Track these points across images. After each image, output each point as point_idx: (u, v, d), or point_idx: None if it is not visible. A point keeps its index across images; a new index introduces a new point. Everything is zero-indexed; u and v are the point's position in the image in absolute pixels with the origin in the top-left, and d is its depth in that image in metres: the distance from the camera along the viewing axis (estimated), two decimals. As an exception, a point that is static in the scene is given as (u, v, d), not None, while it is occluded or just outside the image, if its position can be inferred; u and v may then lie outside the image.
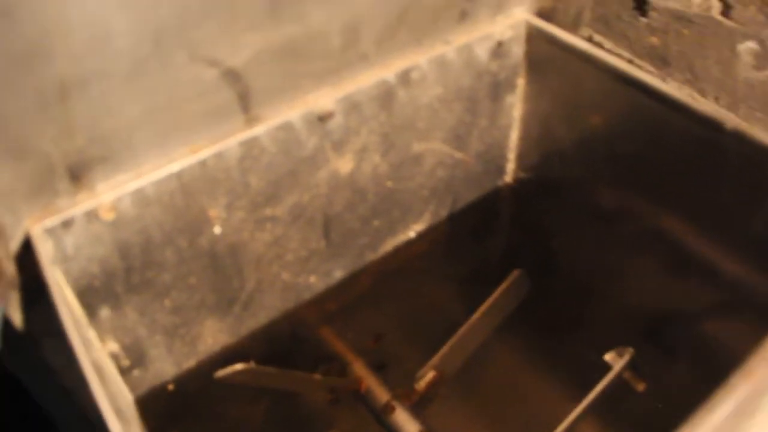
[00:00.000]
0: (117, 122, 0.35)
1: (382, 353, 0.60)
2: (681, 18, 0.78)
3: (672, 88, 0.43)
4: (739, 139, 0.41)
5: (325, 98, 0.42)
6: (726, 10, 0.75)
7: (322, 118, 0.42)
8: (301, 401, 0.60)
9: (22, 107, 0.31)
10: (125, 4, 0.31)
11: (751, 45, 0.72)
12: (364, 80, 0.43)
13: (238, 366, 0.47)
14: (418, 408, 0.56)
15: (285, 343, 0.52)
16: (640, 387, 0.54)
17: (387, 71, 0.44)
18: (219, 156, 0.40)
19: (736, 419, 0.34)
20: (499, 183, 0.57)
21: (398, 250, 0.54)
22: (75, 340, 0.32)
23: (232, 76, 0.37)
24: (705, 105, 0.42)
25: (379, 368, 0.58)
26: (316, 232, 0.47)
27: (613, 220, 0.52)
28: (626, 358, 0.53)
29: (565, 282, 0.57)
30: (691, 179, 0.45)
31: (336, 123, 0.43)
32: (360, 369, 0.58)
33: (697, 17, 0.78)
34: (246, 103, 0.39)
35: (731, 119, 0.41)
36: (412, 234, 0.54)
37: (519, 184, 0.57)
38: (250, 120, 0.40)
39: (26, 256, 0.37)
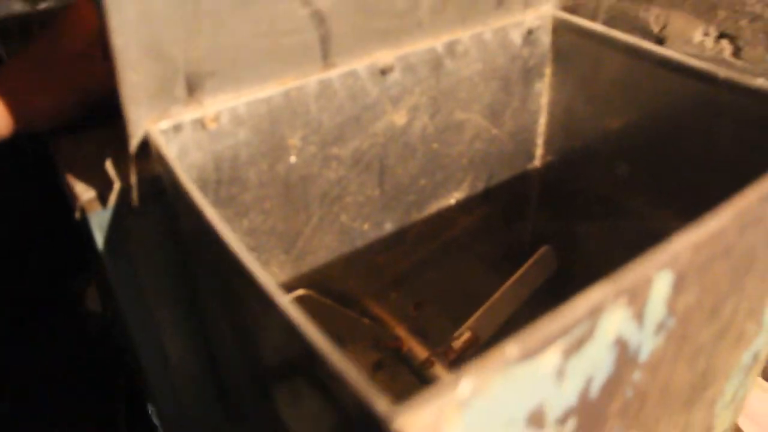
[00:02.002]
0: (228, 40, 0.44)
1: (421, 320, 0.66)
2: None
3: (686, 56, 0.52)
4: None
5: (386, 55, 0.51)
6: (736, 51, 0.86)
7: (384, 72, 0.51)
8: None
9: (164, 10, 0.40)
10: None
11: (761, 82, 0.82)
12: (419, 45, 0.52)
13: (300, 291, 0.53)
14: (455, 365, 0.61)
15: (336, 289, 0.59)
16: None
17: (436, 41, 0.53)
18: (300, 90, 0.49)
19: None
20: (529, 166, 0.65)
21: (440, 215, 0.61)
22: (212, 215, 0.37)
23: (319, 18, 0.46)
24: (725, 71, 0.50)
25: (419, 334, 0.64)
26: (372, 180, 0.55)
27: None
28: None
29: (588, 260, 0.64)
30: (703, 143, 0.53)
31: (394, 78, 0.52)
32: (402, 332, 0.64)
33: (711, 60, 0.88)
34: (326, 47, 0.48)
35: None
36: (452, 201, 0.61)
37: (546, 169, 0.65)
38: (327, 64, 0.49)
39: (143, 155, 0.46)
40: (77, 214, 0.47)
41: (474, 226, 0.64)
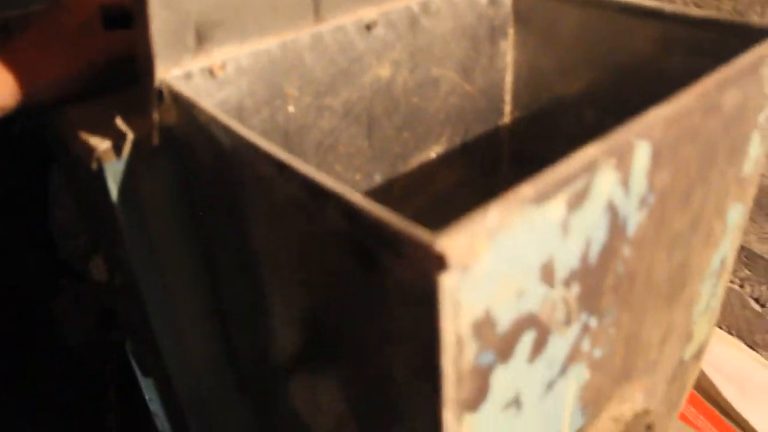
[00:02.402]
0: (232, -8, 0.48)
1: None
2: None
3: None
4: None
5: (370, 11, 0.56)
6: None
7: (369, 27, 0.56)
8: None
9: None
10: None
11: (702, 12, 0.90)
12: (397, 3, 0.57)
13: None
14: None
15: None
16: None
17: (412, 0, 0.58)
18: (295, 42, 0.53)
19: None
20: (499, 122, 0.70)
21: (422, 168, 0.66)
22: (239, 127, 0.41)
23: (310, -27, 0.51)
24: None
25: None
26: (362, 131, 0.59)
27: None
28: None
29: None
30: (660, 78, 0.59)
31: (378, 34, 0.57)
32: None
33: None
34: (317, 3, 0.53)
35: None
36: (433, 154, 0.66)
37: (514, 124, 0.70)
38: (318, 18, 0.54)
39: (156, 104, 0.49)
40: (93, 165, 0.50)
41: (454, 180, 0.69)
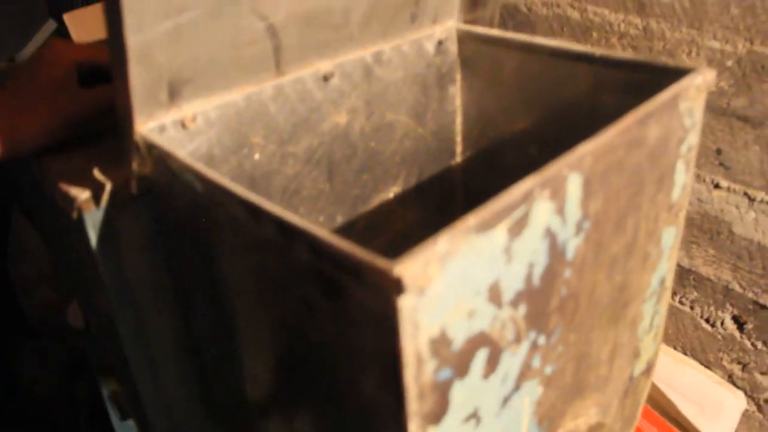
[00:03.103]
0: (201, 50, 0.52)
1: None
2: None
3: (568, 43, 0.64)
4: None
5: (327, 64, 0.61)
6: None
7: (326, 78, 0.61)
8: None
9: (153, 21, 0.49)
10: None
11: (628, 54, 0.96)
12: (352, 55, 0.62)
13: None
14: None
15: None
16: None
17: (365, 51, 0.63)
18: (259, 94, 0.57)
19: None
20: (452, 162, 0.75)
21: (382, 208, 0.70)
22: (211, 173, 0.46)
23: (272, 31, 0.55)
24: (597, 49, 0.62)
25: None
26: (323, 175, 0.64)
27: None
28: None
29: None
30: (593, 116, 0.64)
31: (334, 84, 0.62)
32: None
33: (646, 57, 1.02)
34: (278, 57, 0.57)
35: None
36: (391, 195, 0.70)
37: (466, 163, 0.75)
38: (279, 72, 0.58)
39: (131, 156, 0.53)
40: (74, 214, 0.53)
41: (411, 218, 0.73)
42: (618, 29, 0.98)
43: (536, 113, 0.68)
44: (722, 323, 1.02)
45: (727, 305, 1.00)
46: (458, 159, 0.76)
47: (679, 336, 1.08)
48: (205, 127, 0.55)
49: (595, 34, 1.01)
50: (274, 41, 0.56)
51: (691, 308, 1.05)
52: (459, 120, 0.74)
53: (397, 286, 0.34)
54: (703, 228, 0.98)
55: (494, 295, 0.41)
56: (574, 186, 0.44)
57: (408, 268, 0.34)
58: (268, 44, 0.56)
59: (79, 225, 0.53)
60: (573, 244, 0.47)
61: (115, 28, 0.45)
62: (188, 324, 0.60)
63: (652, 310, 0.63)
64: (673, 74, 0.56)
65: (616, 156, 0.48)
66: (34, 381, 1.01)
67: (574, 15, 1.02)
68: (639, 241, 0.55)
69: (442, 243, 0.36)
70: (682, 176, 0.58)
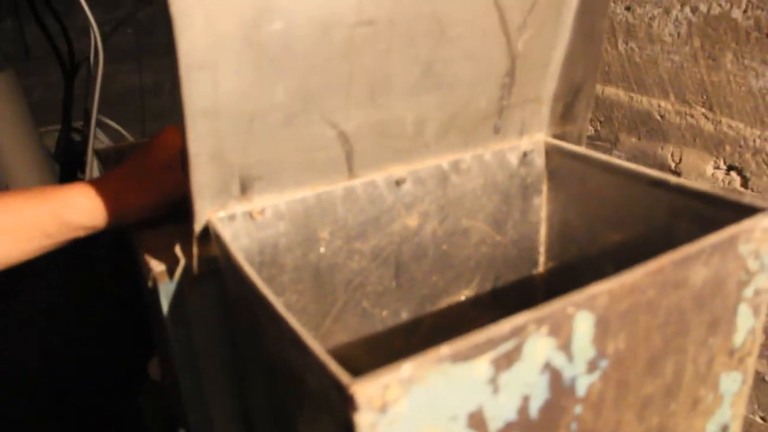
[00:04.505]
0: (272, 153, 0.58)
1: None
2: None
3: (646, 168, 0.63)
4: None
5: (400, 169, 0.64)
6: (744, 182, 0.97)
7: (398, 183, 0.64)
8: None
9: (228, 128, 0.55)
10: (294, 75, 0.56)
11: (704, 185, 0.92)
12: (427, 162, 0.65)
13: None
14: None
15: (356, 368, 0.68)
16: None
17: (443, 160, 0.66)
18: (329, 194, 0.62)
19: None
20: (534, 271, 0.75)
21: (451, 309, 0.71)
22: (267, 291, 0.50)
23: (343, 138, 0.60)
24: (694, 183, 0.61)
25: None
26: (389, 273, 0.67)
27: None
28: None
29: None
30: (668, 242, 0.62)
31: (406, 188, 0.65)
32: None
33: (722, 190, 0.98)
34: (350, 161, 0.62)
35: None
36: (462, 297, 0.72)
37: (549, 274, 0.75)
38: (351, 175, 0.62)
39: (202, 239, 0.59)
40: (150, 283, 0.60)
41: (484, 321, 0.73)
42: (753, 145, 0.93)
43: (616, 233, 0.67)
44: None
45: None
46: (540, 269, 0.76)
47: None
48: (274, 218, 0.60)
49: (728, 148, 0.97)
50: (345, 147, 0.60)
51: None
52: (543, 231, 0.74)
53: (351, 403, 0.36)
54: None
55: (477, 423, 0.41)
56: (584, 324, 0.44)
57: (365, 387, 0.36)
58: (340, 150, 0.60)
59: (155, 293, 0.60)
60: (585, 382, 0.46)
61: (182, 132, 0.52)
62: (242, 392, 0.64)
63: (712, 459, 0.58)
64: (744, 211, 0.54)
65: (644, 296, 0.47)
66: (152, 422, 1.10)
67: (708, 126, 0.98)
68: (684, 385, 0.52)
69: (406, 369, 0.37)
70: (749, 321, 0.55)
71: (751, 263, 0.52)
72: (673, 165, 1.03)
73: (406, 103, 0.60)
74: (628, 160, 1.10)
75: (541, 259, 0.75)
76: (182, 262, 0.60)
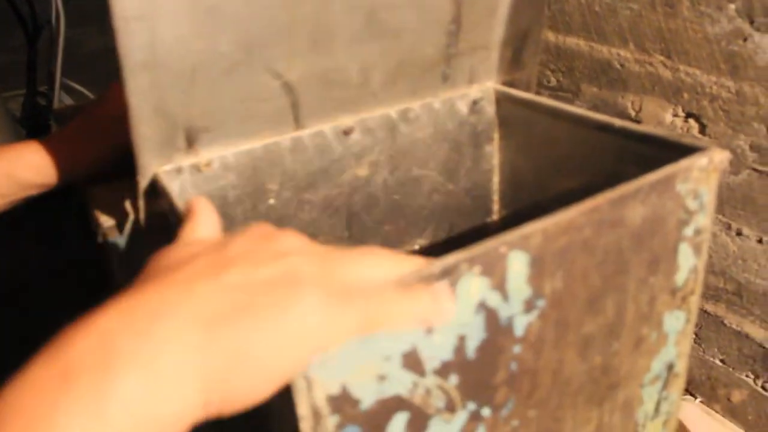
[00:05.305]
0: (217, 104, 0.57)
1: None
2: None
3: (592, 112, 0.63)
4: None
5: (347, 119, 0.64)
6: (702, 129, 0.97)
7: (346, 132, 0.64)
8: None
9: (169, 80, 0.54)
10: (235, 23, 0.55)
11: (647, 127, 0.92)
12: (375, 112, 0.65)
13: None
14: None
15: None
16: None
17: (391, 109, 0.66)
18: (277, 145, 0.61)
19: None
20: (487, 219, 0.76)
21: (406, 258, 0.72)
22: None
23: (288, 88, 0.60)
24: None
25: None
26: (341, 223, 0.67)
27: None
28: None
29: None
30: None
31: (355, 138, 0.65)
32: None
33: (664, 131, 0.99)
34: (296, 112, 0.61)
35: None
36: (416, 246, 0.72)
37: (503, 221, 0.75)
38: (298, 125, 0.62)
39: (150, 193, 0.59)
40: (99, 239, 0.60)
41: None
42: (710, 91, 0.94)
43: (566, 179, 0.67)
44: (808, 418, 0.93)
45: (815, 400, 0.92)
46: (494, 217, 0.76)
47: (760, 424, 1.00)
48: (222, 170, 0.60)
49: (686, 96, 0.97)
50: (291, 97, 0.60)
51: (775, 394, 0.97)
52: (496, 179, 0.74)
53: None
54: (790, 312, 0.91)
55: (412, 363, 0.42)
56: (518, 263, 0.44)
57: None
58: (285, 100, 0.60)
59: (106, 249, 0.60)
60: (523, 321, 0.46)
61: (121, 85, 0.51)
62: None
63: (657, 396, 0.60)
64: (685, 152, 0.54)
65: (581, 235, 0.47)
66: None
67: (666, 74, 0.99)
68: (626, 324, 0.53)
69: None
70: (691, 260, 0.55)
71: (690, 203, 0.53)
72: (633, 114, 1.04)
73: (350, 51, 0.60)
74: (590, 109, 1.10)
75: (495, 207, 0.76)
76: (131, 216, 0.59)
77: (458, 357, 0.44)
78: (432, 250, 0.73)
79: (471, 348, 0.44)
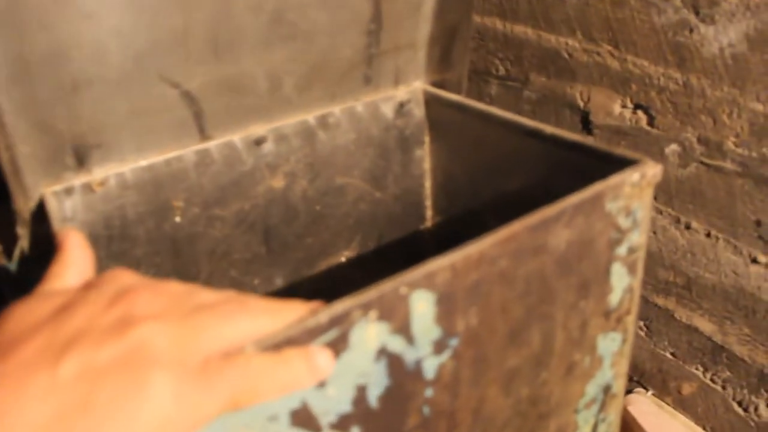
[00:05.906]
0: (108, 118, 0.52)
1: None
2: (618, 132, 0.96)
3: (521, 118, 0.58)
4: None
5: (258, 128, 0.59)
6: (650, 120, 0.93)
7: (258, 142, 0.59)
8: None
9: (47, 94, 0.49)
10: (118, 31, 0.49)
11: (674, 147, 0.88)
12: (290, 119, 0.60)
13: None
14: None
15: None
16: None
17: (308, 115, 0.61)
18: (179, 159, 0.56)
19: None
20: (421, 226, 0.71)
21: (332, 271, 0.67)
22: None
23: (188, 98, 0.54)
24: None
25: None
26: (257, 238, 0.62)
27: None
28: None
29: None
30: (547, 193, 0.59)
31: (268, 148, 0.60)
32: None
33: (630, 129, 0.95)
34: (200, 122, 0.56)
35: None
36: (342, 258, 0.68)
37: (437, 228, 0.71)
38: (204, 136, 0.57)
39: (39, 216, 0.54)
40: (-14, 267, 0.54)
41: (369, 282, 0.70)
42: (657, 83, 0.90)
43: (497, 185, 0.63)
44: (756, 409, 0.91)
45: (762, 391, 0.89)
46: (428, 224, 0.72)
47: (709, 416, 0.98)
48: (119, 189, 0.55)
49: (634, 87, 0.93)
50: (193, 107, 0.55)
51: (723, 388, 0.95)
52: (428, 184, 0.70)
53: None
54: (738, 304, 0.88)
55: (303, 420, 0.38)
56: (422, 304, 0.40)
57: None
58: (186, 110, 0.55)
59: (-6, 277, 0.55)
60: (433, 363, 0.42)
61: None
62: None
63: (594, 419, 0.56)
64: (615, 164, 0.50)
65: (496, 267, 0.43)
66: None
67: (614, 64, 0.94)
68: (555, 352, 0.50)
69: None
70: (625, 279, 0.52)
71: (622, 221, 0.49)
72: (582, 104, 1.00)
73: (256, 56, 0.55)
74: (539, 99, 1.06)
75: (428, 213, 0.71)
76: (24, 241, 0.54)
77: (359, 408, 0.40)
78: (362, 261, 0.69)
79: (373, 397, 0.40)
